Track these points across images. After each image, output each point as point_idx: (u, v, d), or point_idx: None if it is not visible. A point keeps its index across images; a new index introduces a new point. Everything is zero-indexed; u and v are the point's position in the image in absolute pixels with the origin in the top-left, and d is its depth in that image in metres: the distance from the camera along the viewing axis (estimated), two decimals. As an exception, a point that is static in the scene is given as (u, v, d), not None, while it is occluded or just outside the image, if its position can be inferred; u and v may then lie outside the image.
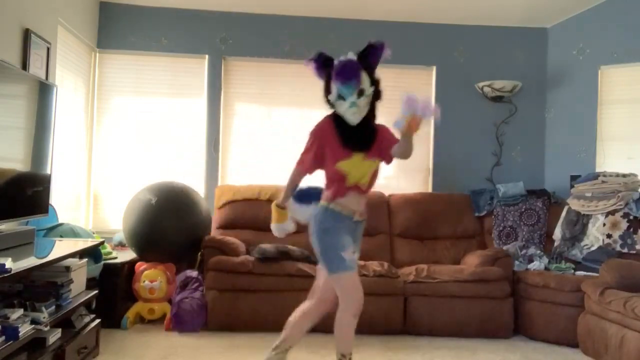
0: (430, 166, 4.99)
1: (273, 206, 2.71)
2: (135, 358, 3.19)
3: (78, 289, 2.99)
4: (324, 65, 2.56)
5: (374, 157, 2.56)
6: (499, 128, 4.98)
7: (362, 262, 3.98)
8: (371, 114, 2.56)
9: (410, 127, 2.32)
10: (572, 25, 4.84)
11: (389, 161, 2.62)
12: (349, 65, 2.48)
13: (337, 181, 2.53)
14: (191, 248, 4.05)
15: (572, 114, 4.81)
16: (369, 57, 2.53)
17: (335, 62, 2.52)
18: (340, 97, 2.47)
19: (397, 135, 2.47)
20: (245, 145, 4.90)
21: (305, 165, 2.60)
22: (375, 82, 2.54)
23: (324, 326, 3.74)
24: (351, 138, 2.51)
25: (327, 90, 2.55)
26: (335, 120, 2.55)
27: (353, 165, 2.51)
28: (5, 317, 2.22)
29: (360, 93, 2.47)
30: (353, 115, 2.48)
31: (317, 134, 2.58)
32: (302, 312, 2.73)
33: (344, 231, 2.54)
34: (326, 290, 2.67)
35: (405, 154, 2.47)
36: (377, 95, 2.56)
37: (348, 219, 2.57)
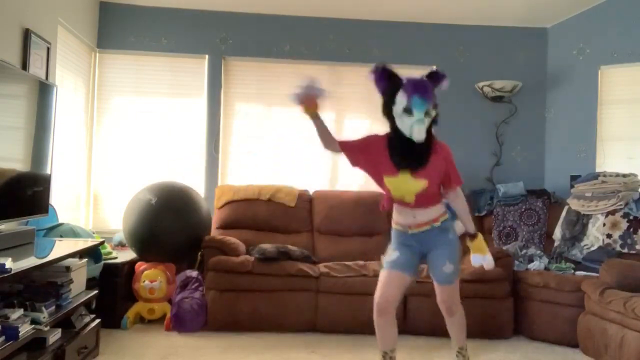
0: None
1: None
2: (135, 358, 3.19)
3: (78, 289, 2.99)
4: (389, 77, 2.57)
5: (423, 177, 2.55)
6: (499, 128, 4.98)
7: (362, 262, 4.00)
8: (429, 136, 2.55)
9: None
10: (572, 25, 4.84)
11: (444, 189, 2.74)
12: (425, 82, 2.53)
13: (385, 194, 2.69)
14: (191, 248, 4.05)
15: (572, 114, 4.81)
16: (436, 81, 2.58)
17: (404, 78, 2.54)
18: (408, 111, 2.46)
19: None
20: (245, 145, 4.90)
21: (343, 140, 2.65)
22: (435, 107, 2.56)
23: (324, 326, 3.77)
24: (400, 155, 2.53)
25: (390, 103, 2.53)
26: (390, 135, 2.58)
27: (396, 183, 2.57)
28: (5, 317, 2.22)
29: (427, 113, 2.48)
30: (419, 131, 2.46)
31: (369, 139, 2.64)
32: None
33: (400, 244, 2.71)
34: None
35: (453, 206, 2.76)
36: (435, 120, 2.58)
37: (404, 235, 2.71)
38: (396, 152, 2.53)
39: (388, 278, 2.67)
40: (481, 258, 2.77)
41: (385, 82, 2.58)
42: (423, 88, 2.48)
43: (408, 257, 2.68)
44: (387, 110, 2.55)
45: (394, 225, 2.75)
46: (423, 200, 2.61)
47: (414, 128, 2.45)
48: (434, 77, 2.58)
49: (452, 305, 2.79)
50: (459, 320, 2.84)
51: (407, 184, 2.55)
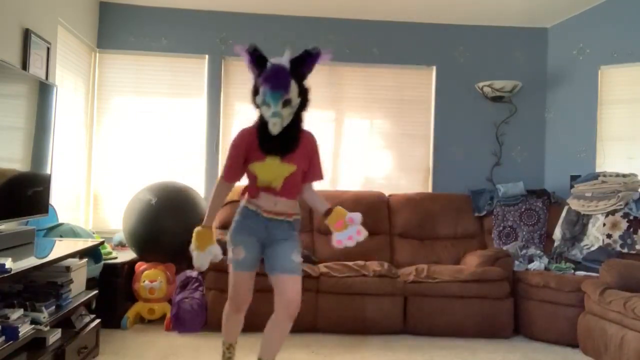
0: (430, 166, 4.99)
1: (196, 231, 2.51)
2: (135, 358, 3.19)
3: (78, 289, 2.99)
4: (256, 62, 2.47)
5: (292, 162, 2.48)
6: (499, 128, 4.98)
7: (362, 262, 4.00)
8: (296, 122, 2.48)
9: (338, 229, 2.54)
10: (572, 25, 4.84)
11: (307, 182, 2.62)
12: (280, 72, 2.40)
13: (250, 182, 2.55)
14: (191, 248, 4.05)
15: (572, 114, 4.81)
16: (303, 65, 2.47)
17: (269, 63, 2.44)
18: (266, 103, 2.40)
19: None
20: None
21: (225, 174, 2.55)
22: (304, 92, 2.47)
23: (324, 326, 3.77)
24: (267, 142, 2.44)
25: (256, 91, 2.47)
26: (259, 123, 2.49)
27: (263, 168, 2.47)
28: (5, 317, 2.22)
29: (286, 103, 2.39)
30: (273, 125, 2.39)
31: (236, 143, 2.52)
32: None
33: (244, 230, 2.52)
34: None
35: (305, 201, 2.64)
36: (303, 106, 2.49)
37: (255, 216, 2.51)
38: (264, 139, 2.44)
39: (239, 281, 2.56)
40: (346, 232, 2.54)
41: (253, 67, 2.48)
42: (276, 79, 2.37)
43: (253, 254, 2.53)
44: (253, 98, 2.48)
45: (246, 204, 2.54)
46: (289, 187, 2.51)
47: (270, 121, 2.39)
48: (303, 60, 2.46)
49: (297, 305, 2.52)
50: (287, 329, 2.57)
51: (277, 168, 2.45)
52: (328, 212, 2.57)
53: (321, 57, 2.48)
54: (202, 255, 2.49)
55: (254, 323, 3.75)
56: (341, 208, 2.58)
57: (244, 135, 2.52)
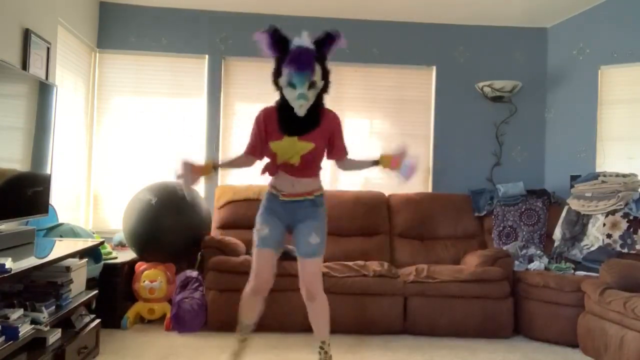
0: (430, 166, 5.00)
1: (210, 161, 2.73)
2: (135, 358, 3.19)
3: (78, 289, 2.99)
4: (277, 43, 2.49)
5: (310, 140, 2.54)
6: (499, 128, 4.98)
7: (362, 262, 4.00)
8: (317, 104, 2.55)
9: (396, 167, 2.63)
10: (572, 25, 4.84)
11: (332, 159, 2.74)
12: (305, 54, 2.44)
13: (270, 159, 2.65)
14: (191, 248, 4.05)
15: (572, 114, 4.81)
16: (325, 47, 2.51)
17: (292, 45, 2.46)
18: (291, 84, 2.44)
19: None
20: (245, 146, 4.88)
21: (246, 149, 2.68)
22: (326, 74, 2.54)
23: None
24: (287, 123, 2.53)
25: (278, 72, 2.50)
26: (280, 104, 2.56)
27: (281, 146, 2.55)
28: (5, 317, 2.22)
29: (311, 85, 2.45)
30: (300, 107, 2.47)
31: (257, 120, 2.63)
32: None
33: (267, 211, 2.66)
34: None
35: (351, 171, 2.86)
36: (325, 88, 2.57)
37: (275, 199, 2.66)
38: (284, 119, 2.53)
39: (263, 258, 2.64)
40: (404, 167, 2.63)
41: (274, 48, 2.51)
42: (302, 61, 2.42)
43: (277, 231, 2.64)
44: (275, 80, 2.52)
45: (269, 188, 2.72)
46: (308, 164, 2.59)
47: (296, 103, 2.47)
48: (324, 42, 2.50)
49: (315, 286, 2.66)
50: (322, 307, 2.72)
51: (295, 145, 2.54)
52: (377, 162, 2.68)
53: (340, 40, 2.53)
54: (192, 177, 2.62)
55: (256, 323, 3.76)
56: (384, 153, 2.68)
57: (266, 113, 2.61)
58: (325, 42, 2.50)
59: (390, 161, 2.65)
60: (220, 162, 2.71)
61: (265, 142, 2.61)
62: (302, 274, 2.66)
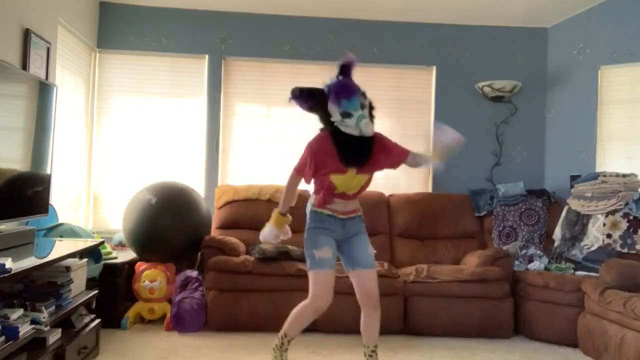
0: (430, 166, 4.99)
1: (275, 212, 2.79)
2: (135, 358, 3.19)
3: (78, 289, 2.99)
4: (308, 97, 2.63)
5: (367, 172, 2.68)
6: (499, 128, 4.98)
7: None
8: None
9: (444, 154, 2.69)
10: (572, 25, 4.84)
11: (395, 168, 2.86)
12: (345, 82, 2.60)
13: (325, 189, 2.66)
14: (191, 248, 4.05)
15: (572, 114, 4.81)
16: (347, 73, 2.64)
17: (325, 88, 2.61)
18: (346, 114, 2.53)
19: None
20: (245, 145, 4.90)
21: (306, 177, 2.70)
22: (364, 95, 2.64)
23: (324, 326, 3.76)
24: (348, 154, 2.59)
25: (326, 114, 2.60)
26: (333, 136, 2.61)
27: (344, 180, 2.63)
28: (5, 317, 2.22)
29: (363, 106, 2.57)
30: (366, 125, 2.54)
31: (315, 149, 2.64)
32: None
33: (323, 232, 2.69)
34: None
35: (418, 167, 2.97)
36: (371, 106, 2.68)
37: (331, 218, 2.71)
38: (345, 152, 2.58)
39: (328, 280, 2.69)
40: (449, 137, 2.77)
41: (308, 101, 2.64)
42: (347, 89, 2.56)
43: (334, 250, 2.71)
44: (327, 121, 2.62)
45: (319, 209, 2.71)
46: (361, 190, 2.75)
47: (361, 125, 2.53)
48: (346, 69, 2.63)
49: (378, 294, 2.72)
50: (379, 315, 2.76)
51: (354, 179, 2.65)
52: (434, 152, 2.80)
53: (354, 61, 2.65)
54: (276, 231, 2.77)
55: (256, 324, 3.77)
56: (434, 148, 2.81)
57: (320, 143, 2.65)
58: (345, 70, 2.64)
59: (439, 154, 2.74)
60: (281, 208, 2.79)
61: (316, 171, 2.65)
62: (364, 285, 2.72)
